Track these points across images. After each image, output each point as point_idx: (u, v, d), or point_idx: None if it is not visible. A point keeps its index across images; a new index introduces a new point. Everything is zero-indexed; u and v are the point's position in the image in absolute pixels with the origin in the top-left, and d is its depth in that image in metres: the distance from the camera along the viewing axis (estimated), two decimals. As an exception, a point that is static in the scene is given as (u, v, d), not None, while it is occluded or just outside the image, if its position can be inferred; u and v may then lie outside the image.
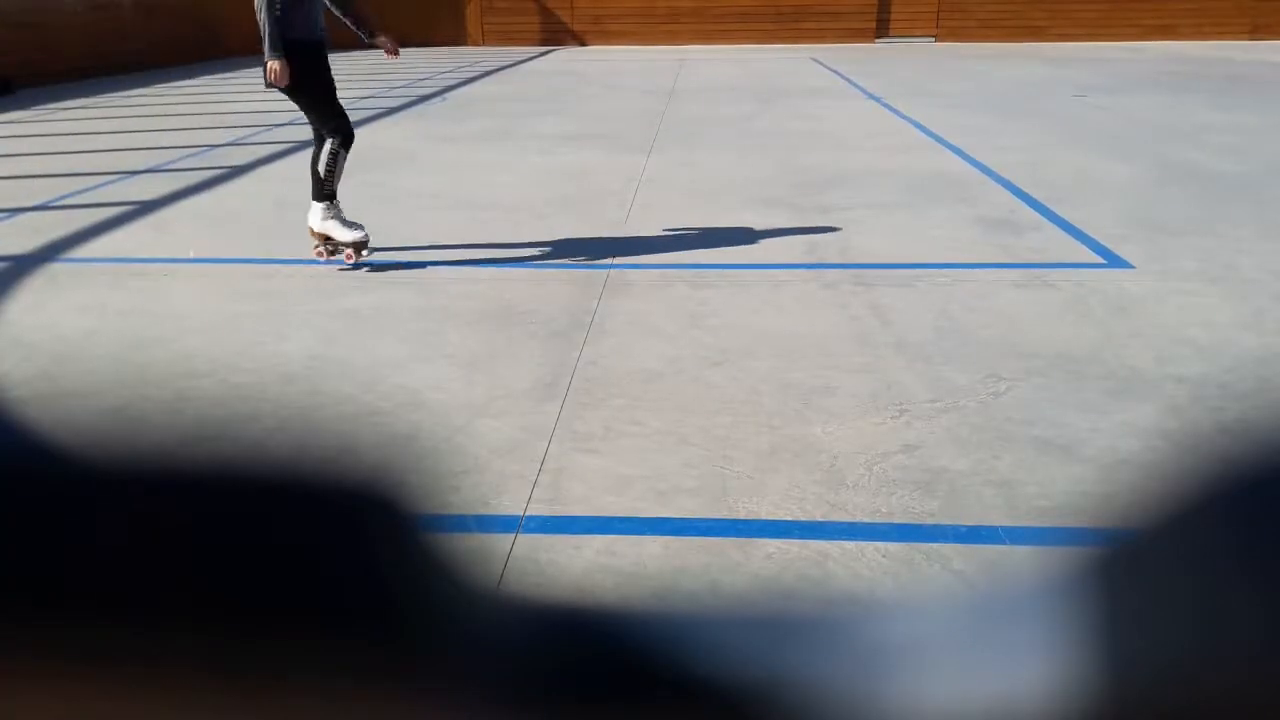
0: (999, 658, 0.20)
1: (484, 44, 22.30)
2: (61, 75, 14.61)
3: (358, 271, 4.72)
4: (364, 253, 4.64)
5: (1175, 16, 20.86)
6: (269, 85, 4.33)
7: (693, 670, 0.20)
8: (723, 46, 21.19)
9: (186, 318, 4.11)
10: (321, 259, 4.64)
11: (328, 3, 4.52)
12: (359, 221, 4.70)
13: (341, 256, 4.67)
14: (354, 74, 15.65)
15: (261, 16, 4.20)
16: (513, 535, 2.43)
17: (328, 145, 4.54)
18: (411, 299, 4.31)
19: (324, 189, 4.57)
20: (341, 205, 4.66)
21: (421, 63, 17.44)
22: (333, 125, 4.51)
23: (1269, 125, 8.98)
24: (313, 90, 4.45)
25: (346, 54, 19.55)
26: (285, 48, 4.27)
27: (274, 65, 4.25)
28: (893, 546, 2.37)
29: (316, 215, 4.61)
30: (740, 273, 4.65)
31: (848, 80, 14.04)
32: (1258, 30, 20.51)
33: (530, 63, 17.97)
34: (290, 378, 3.47)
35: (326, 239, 4.63)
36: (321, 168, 4.56)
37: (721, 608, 0.22)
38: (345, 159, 4.60)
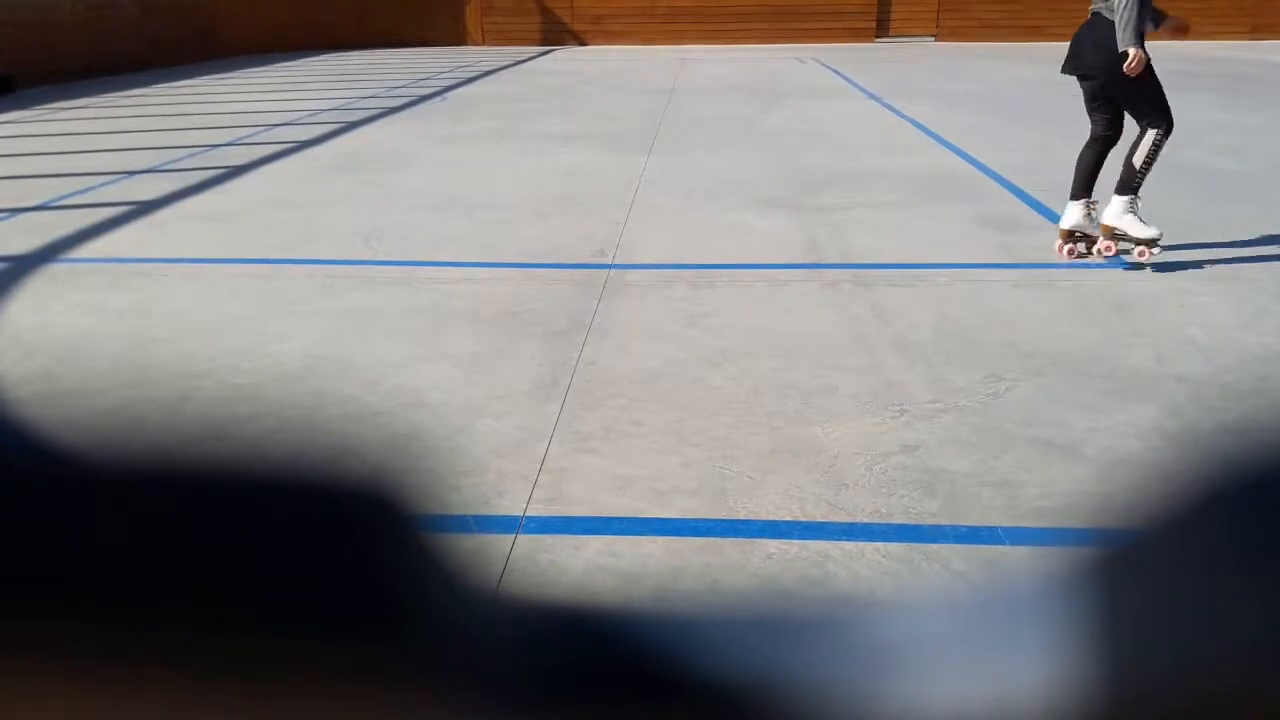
0: (999, 658, 0.20)
1: (484, 44, 22.29)
2: (61, 75, 14.62)
3: (366, 272, 4.72)
4: (1155, 250, 4.58)
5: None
6: (1126, 74, 4.38)
7: (693, 670, 0.20)
8: (723, 46, 21.19)
9: (186, 317, 4.11)
10: (1071, 258, 4.68)
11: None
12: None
13: (1135, 254, 4.62)
14: (352, 74, 15.65)
15: (1127, 6, 4.27)
16: (513, 535, 2.43)
17: (1150, 136, 4.51)
18: (412, 299, 4.31)
19: (1134, 181, 4.56)
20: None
21: (421, 62, 17.44)
22: (1162, 117, 4.51)
23: (1269, 125, 8.98)
24: (1150, 83, 4.48)
25: (341, 54, 19.56)
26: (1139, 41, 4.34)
27: (1141, 54, 4.33)
28: (893, 547, 2.37)
29: (1116, 208, 4.60)
30: (740, 273, 4.65)
31: (848, 80, 14.04)
32: (1258, 30, 20.50)
33: (530, 62, 17.96)
34: (290, 378, 3.47)
35: (1114, 233, 4.61)
36: (1138, 159, 4.54)
37: (721, 608, 0.22)
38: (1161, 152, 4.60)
